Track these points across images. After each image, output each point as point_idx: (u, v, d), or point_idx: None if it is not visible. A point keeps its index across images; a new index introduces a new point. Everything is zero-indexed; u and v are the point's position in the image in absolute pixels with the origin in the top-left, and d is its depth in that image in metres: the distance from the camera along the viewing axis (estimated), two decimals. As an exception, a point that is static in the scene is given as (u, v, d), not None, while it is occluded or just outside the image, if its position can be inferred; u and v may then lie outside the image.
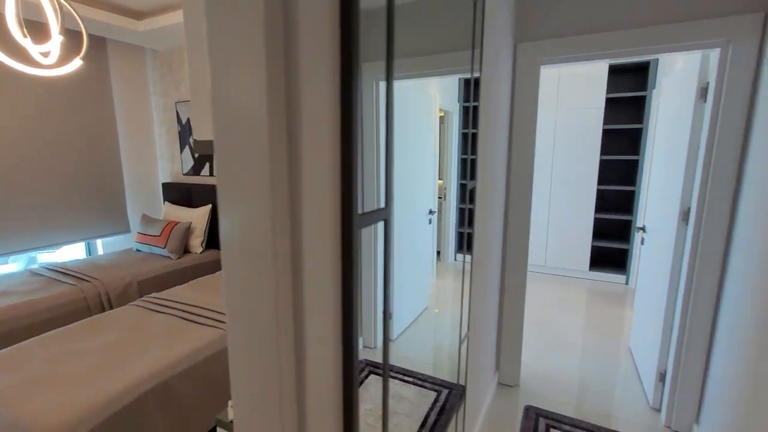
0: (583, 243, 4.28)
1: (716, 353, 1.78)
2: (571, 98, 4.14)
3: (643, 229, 2.67)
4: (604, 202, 4.60)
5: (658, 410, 2.13)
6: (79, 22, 1.78)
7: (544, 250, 4.48)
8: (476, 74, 1.33)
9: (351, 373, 0.61)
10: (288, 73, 0.48)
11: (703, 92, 1.79)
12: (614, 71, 4.26)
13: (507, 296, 2.35)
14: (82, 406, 1.31)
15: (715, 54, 1.70)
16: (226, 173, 0.49)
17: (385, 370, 0.73)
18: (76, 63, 1.83)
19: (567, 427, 2.02)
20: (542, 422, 2.07)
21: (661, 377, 2.09)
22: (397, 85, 2.01)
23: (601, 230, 4.66)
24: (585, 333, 3.10)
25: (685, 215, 1.91)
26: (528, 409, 2.17)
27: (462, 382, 1.52)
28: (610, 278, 4.24)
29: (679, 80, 2.15)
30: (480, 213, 1.61)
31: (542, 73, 4.20)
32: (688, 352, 1.88)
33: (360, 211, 0.62)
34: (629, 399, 2.26)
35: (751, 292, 1.50)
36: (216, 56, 0.47)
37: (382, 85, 1.93)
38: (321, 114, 0.51)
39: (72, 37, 2.97)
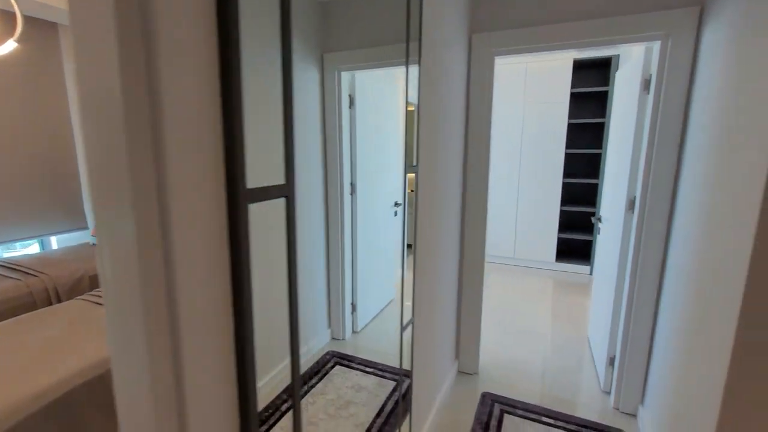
0: (550, 235, 4.37)
1: (658, 339, 1.85)
2: (537, 92, 4.21)
3: (599, 219, 2.74)
4: (569, 195, 4.71)
5: (608, 393, 2.20)
6: (13, 2, 1.69)
7: (513, 242, 4.56)
8: (417, 66, 1.33)
9: (246, 379, 0.60)
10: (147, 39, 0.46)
11: (646, 84, 1.84)
12: (578, 67, 4.34)
13: (465, 287, 2.38)
14: (9, 399, 1.26)
15: (656, 47, 1.75)
16: (89, 158, 0.47)
17: (295, 396, 0.72)
18: (10, 45, 1.74)
19: (520, 412, 2.07)
20: (497, 408, 2.11)
21: (611, 362, 2.16)
22: (358, 75, 2.00)
23: (566, 222, 4.77)
24: (547, 322, 3.17)
25: (630, 204, 1.97)
26: (485, 396, 2.21)
27: (406, 367, 1.53)
28: (575, 269, 4.35)
29: (627, 73, 2.21)
30: (427, 201, 1.62)
31: (509, 68, 4.25)
32: (634, 338, 1.95)
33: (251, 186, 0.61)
34: (583, 384, 2.33)
35: (685, 280, 1.55)
36: (75, 34, 0.45)
37: (344, 75, 1.91)
38: (191, 88, 0.49)
39: (14, 20, 2.82)
